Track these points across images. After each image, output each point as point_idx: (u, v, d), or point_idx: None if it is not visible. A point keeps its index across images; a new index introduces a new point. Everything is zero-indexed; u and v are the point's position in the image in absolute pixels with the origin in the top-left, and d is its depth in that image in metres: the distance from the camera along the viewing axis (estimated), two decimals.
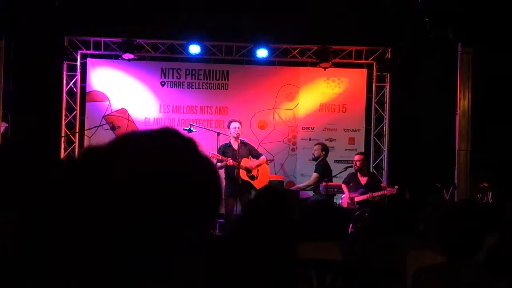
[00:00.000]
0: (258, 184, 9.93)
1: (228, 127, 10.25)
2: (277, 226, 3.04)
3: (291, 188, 11.42)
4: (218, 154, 9.73)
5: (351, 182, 10.43)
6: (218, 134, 10.16)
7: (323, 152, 10.90)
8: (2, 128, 10.92)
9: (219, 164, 9.72)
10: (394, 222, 3.94)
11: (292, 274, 2.90)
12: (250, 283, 2.73)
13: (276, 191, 3.74)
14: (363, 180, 10.38)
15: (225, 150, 10.00)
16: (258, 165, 10.08)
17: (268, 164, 10.79)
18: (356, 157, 10.57)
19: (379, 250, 3.75)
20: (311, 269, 3.18)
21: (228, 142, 10.14)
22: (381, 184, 10.80)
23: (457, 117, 11.50)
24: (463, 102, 11.48)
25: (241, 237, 3.01)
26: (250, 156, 10.13)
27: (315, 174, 10.74)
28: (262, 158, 10.28)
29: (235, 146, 10.01)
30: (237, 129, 10.00)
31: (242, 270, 2.74)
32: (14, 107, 11.45)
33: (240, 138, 10.14)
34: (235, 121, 10.19)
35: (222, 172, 10.02)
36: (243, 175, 9.81)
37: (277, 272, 2.79)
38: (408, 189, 10.03)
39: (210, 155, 9.56)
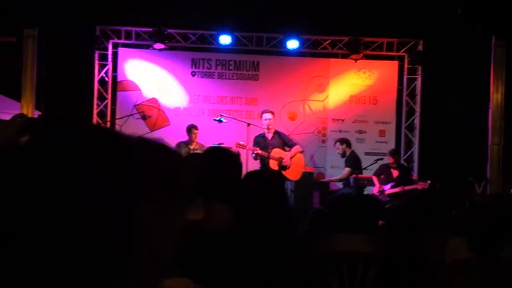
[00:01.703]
0: (290, 174, 9.83)
1: (261, 117, 10.21)
2: (266, 217, 2.81)
3: (321, 180, 11.37)
4: (240, 143, 9.69)
5: (383, 174, 10.35)
6: (248, 124, 10.10)
7: (345, 145, 10.77)
8: (36, 116, 11.07)
9: (253, 154, 9.74)
10: (428, 215, 3.90)
11: (288, 270, 2.73)
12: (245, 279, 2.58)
13: (266, 177, 3.30)
14: (395, 172, 10.28)
15: (258, 140, 9.96)
16: (291, 157, 9.91)
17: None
18: (390, 160, 10.44)
19: (413, 242, 3.72)
20: (342, 260, 3.15)
21: (263, 132, 10.06)
22: (413, 177, 10.69)
23: (490, 110, 11.35)
24: (496, 96, 11.33)
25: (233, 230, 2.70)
26: (284, 146, 10.00)
27: (347, 169, 10.59)
28: (296, 147, 10.09)
29: (269, 136, 9.95)
30: (267, 120, 9.92)
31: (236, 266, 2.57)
32: (47, 95, 11.58)
33: (275, 129, 10.05)
34: (266, 112, 10.08)
35: (257, 163, 9.96)
36: (273, 165, 9.74)
37: (270, 267, 2.64)
38: (439, 183, 9.92)
39: (235, 143, 9.60)
